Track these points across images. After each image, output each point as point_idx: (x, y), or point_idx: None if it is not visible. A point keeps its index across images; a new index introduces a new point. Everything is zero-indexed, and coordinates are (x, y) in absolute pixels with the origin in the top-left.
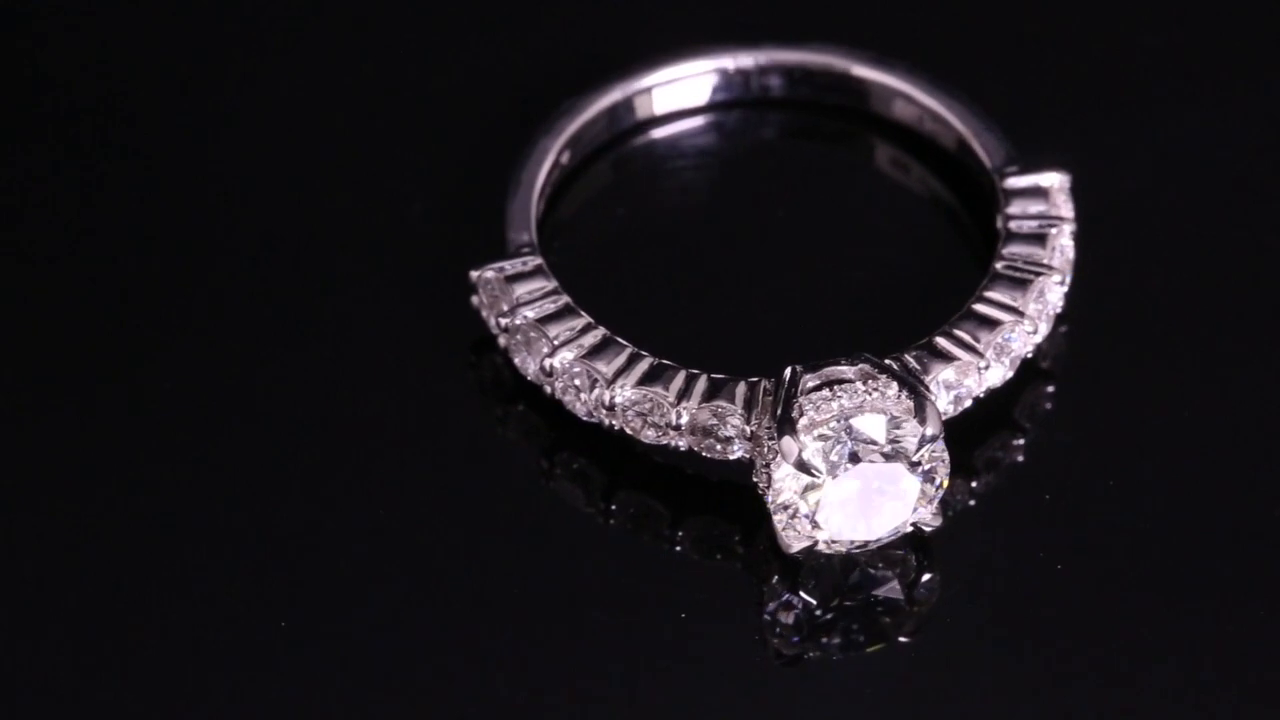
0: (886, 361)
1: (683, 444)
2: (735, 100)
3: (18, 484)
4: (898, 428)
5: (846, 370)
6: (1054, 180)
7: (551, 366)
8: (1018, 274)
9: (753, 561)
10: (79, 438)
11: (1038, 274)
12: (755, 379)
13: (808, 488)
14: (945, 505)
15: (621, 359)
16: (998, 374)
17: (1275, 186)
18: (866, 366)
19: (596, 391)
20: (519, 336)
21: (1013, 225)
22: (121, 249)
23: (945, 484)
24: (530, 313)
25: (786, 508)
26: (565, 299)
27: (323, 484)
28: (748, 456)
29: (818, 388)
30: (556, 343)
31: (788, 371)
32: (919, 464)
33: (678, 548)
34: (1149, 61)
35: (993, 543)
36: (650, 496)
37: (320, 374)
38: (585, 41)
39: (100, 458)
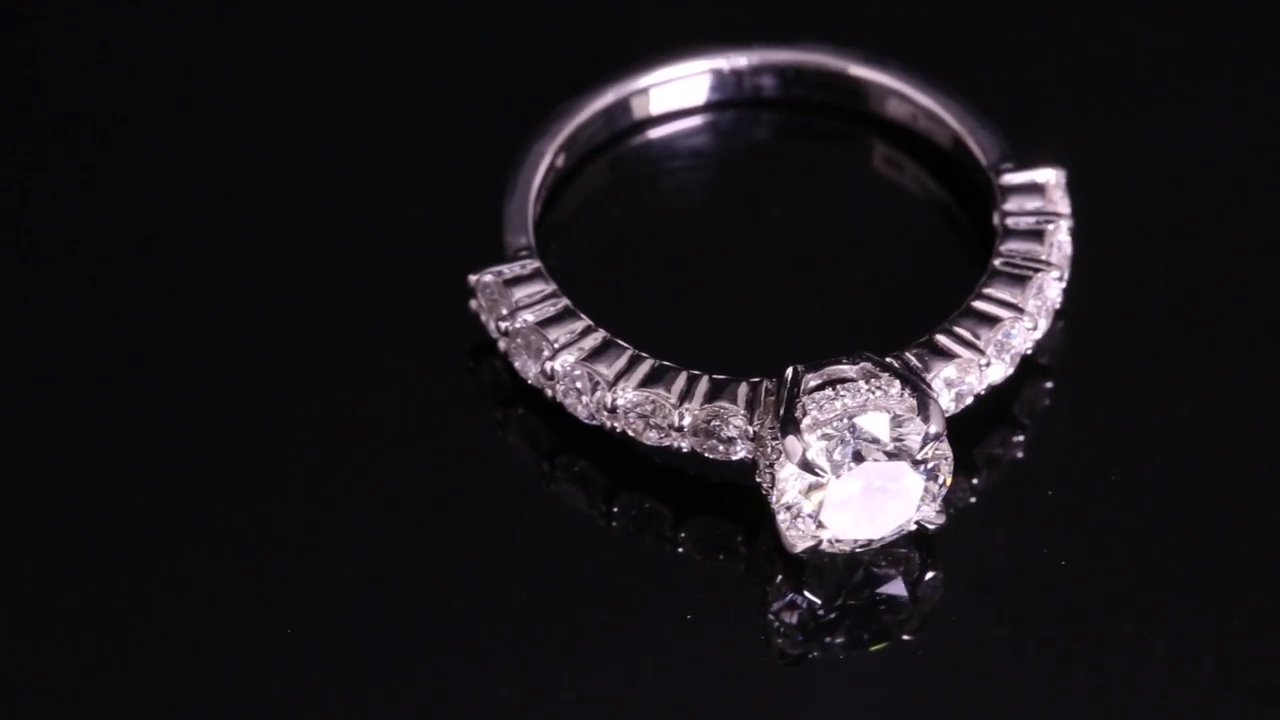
0: (888, 360)
1: (685, 445)
2: (730, 100)
3: (18, 484)
4: (901, 426)
5: (848, 369)
6: (1050, 176)
7: (553, 370)
8: (1016, 270)
9: (755, 562)
10: (79, 438)
11: (1036, 270)
12: (757, 379)
13: (811, 487)
14: (948, 503)
15: (623, 361)
16: (999, 371)
17: (1272, 178)
18: (868, 365)
19: (598, 394)
20: (519, 340)
21: (1010, 222)
22: (120, 252)
23: (948, 481)
24: (530, 316)
25: (790, 508)
26: (565, 302)
27: (324, 488)
28: (750, 457)
29: (820, 387)
30: (557, 346)
31: (789, 371)
32: (923, 462)
33: (680, 549)
34: (1142, 56)
35: (994, 539)
36: (652, 498)
37: (319, 380)
38: (580, 43)
39: (100, 458)
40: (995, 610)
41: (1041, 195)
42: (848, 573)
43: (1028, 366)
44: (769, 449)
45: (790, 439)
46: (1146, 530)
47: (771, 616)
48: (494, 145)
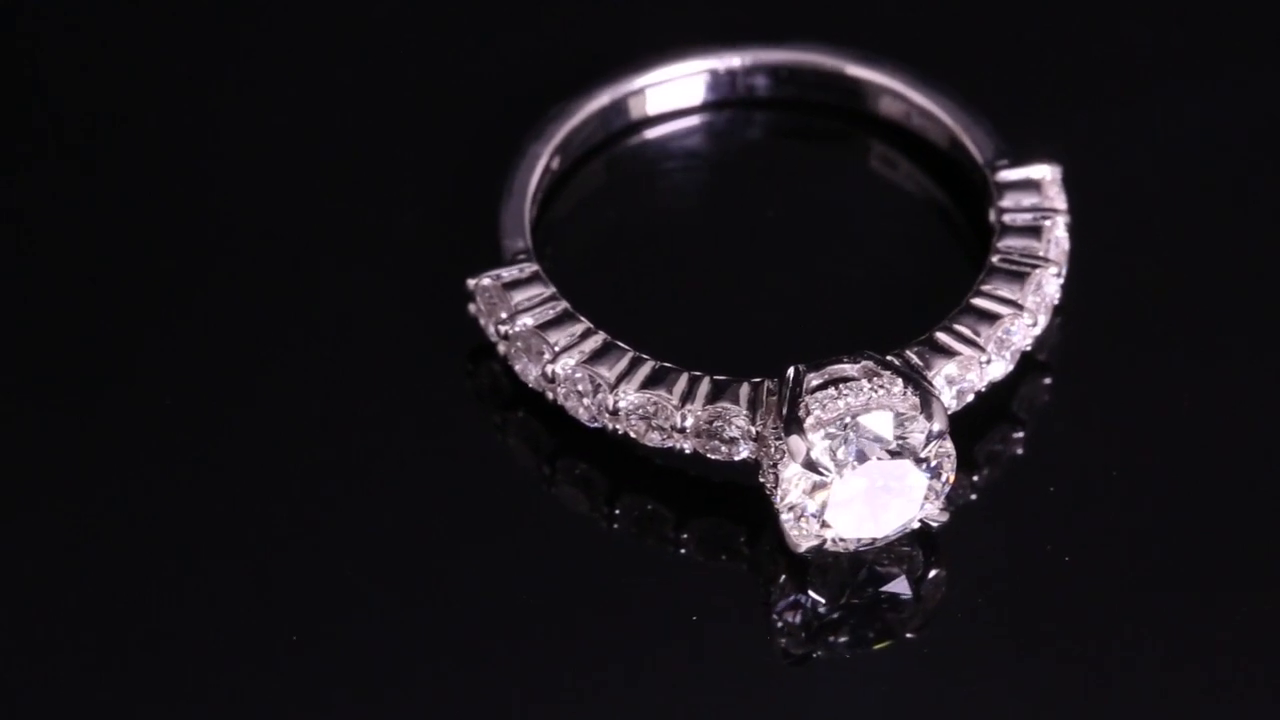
0: (890, 358)
1: (687, 447)
2: (725, 100)
3: (18, 484)
4: (904, 425)
5: (850, 368)
6: (1046, 172)
7: (553, 373)
8: (1014, 267)
9: (758, 561)
10: (79, 437)
11: (1034, 266)
12: (758, 379)
13: (815, 486)
14: (950, 500)
15: (624, 363)
16: (999, 368)
17: (1268, 171)
18: (870, 364)
19: (600, 396)
20: (519, 343)
21: (1006, 218)
22: (120, 253)
23: (951, 479)
24: (530, 320)
25: (794, 507)
26: (564, 304)
27: (325, 493)
28: (753, 458)
29: (822, 386)
30: (558, 349)
31: (791, 371)
32: (926, 460)
33: (683, 550)
34: (1136, 51)
35: (996, 536)
36: (654, 499)
37: (319, 384)
38: (575, 44)
39: (100, 458)
40: (997, 607)
41: (1038, 191)
42: (851, 572)
43: (1026, 363)
44: (772, 449)
45: (794, 438)
46: (1147, 525)
47: (775, 616)
48: (492, 147)
